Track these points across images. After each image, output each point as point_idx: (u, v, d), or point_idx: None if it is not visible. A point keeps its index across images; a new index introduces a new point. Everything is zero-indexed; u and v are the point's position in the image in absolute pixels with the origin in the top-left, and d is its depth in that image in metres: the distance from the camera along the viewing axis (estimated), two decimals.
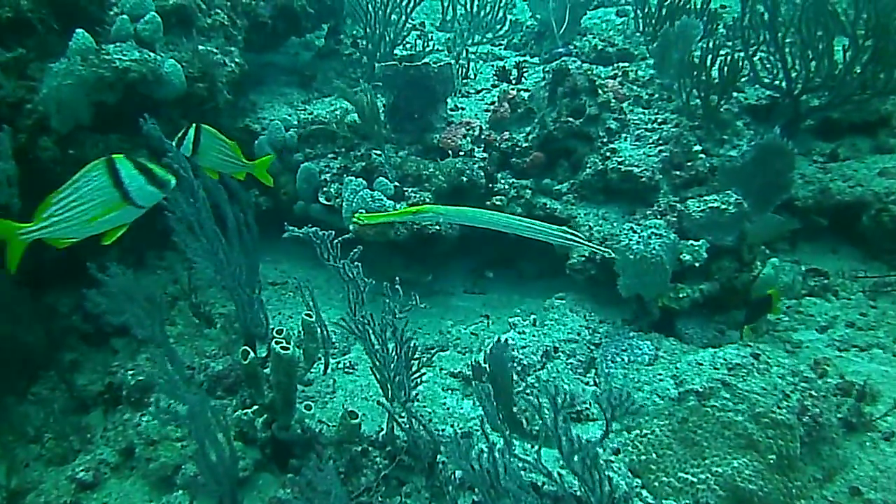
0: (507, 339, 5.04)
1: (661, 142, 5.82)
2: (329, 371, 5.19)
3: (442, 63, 5.93)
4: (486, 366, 4.60)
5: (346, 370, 5.25)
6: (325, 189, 6.09)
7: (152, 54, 5.33)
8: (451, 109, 6.40)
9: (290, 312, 5.95)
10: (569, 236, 4.32)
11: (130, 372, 5.19)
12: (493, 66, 7.40)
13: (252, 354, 4.47)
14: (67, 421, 5.23)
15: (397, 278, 4.25)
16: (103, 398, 5.34)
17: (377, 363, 4.36)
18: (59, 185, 5.26)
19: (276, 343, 4.37)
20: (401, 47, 7.49)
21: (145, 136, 4.65)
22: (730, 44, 6.71)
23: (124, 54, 5.20)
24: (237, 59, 6.17)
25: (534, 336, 5.25)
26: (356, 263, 4.32)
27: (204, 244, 4.74)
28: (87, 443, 5.10)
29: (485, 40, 8.02)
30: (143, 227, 6.25)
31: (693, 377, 4.55)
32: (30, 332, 5.49)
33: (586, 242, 4.51)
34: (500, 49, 8.13)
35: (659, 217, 5.45)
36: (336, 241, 4.34)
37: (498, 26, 8.22)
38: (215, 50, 5.96)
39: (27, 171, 5.16)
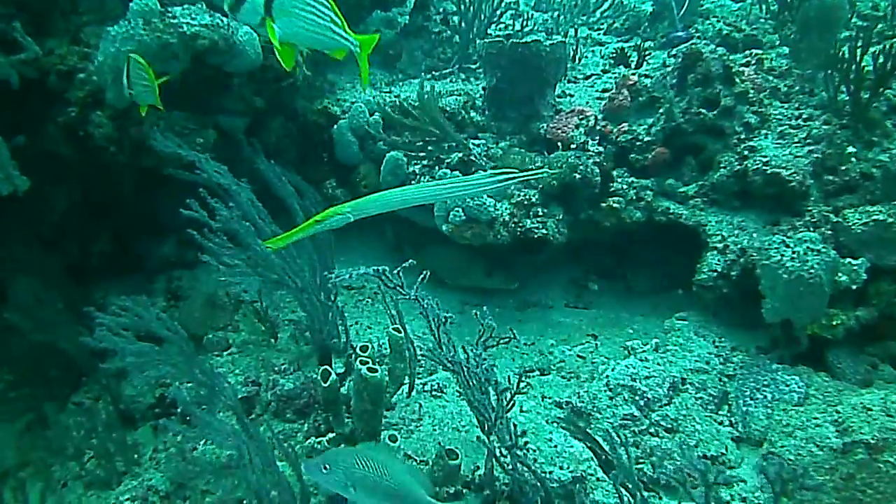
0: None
1: (809, 141, 5.08)
2: (414, 393, 4.58)
3: (555, 41, 5.27)
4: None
5: (433, 393, 4.67)
6: (413, 183, 5.48)
7: (225, 20, 4.79)
8: (558, 96, 5.75)
9: (369, 322, 5.38)
10: (501, 178, 3.78)
11: (188, 385, 4.61)
12: (593, 51, 6.73)
13: (333, 376, 3.86)
14: (112, 437, 4.67)
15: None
16: (154, 412, 4.83)
17: (474, 403, 3.73)
18: (111, 167, 4.77)
19: (362, 363, 3.76)
20: (494, 27, 6.85)
21: (214, 114, 4.10)
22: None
23: (193, 18, 4.69)
24: None
25: (658, 364, 4.61)
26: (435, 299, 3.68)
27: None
28: (134, 464, 4.62)
29: (582, 23, 7.37)
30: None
31: (861, 425, 3.94)
32: (69, 338, 4.91)
33: (522, 174, 3.92)
34: (599, 34, 7.44)
35: (811, 229, 4.71)
36: (397, 270, 3.69)
37: (598, 9, 7.56)
38: None
39: (76, 150, 4.63)
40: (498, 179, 3.74)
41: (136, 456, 4.63)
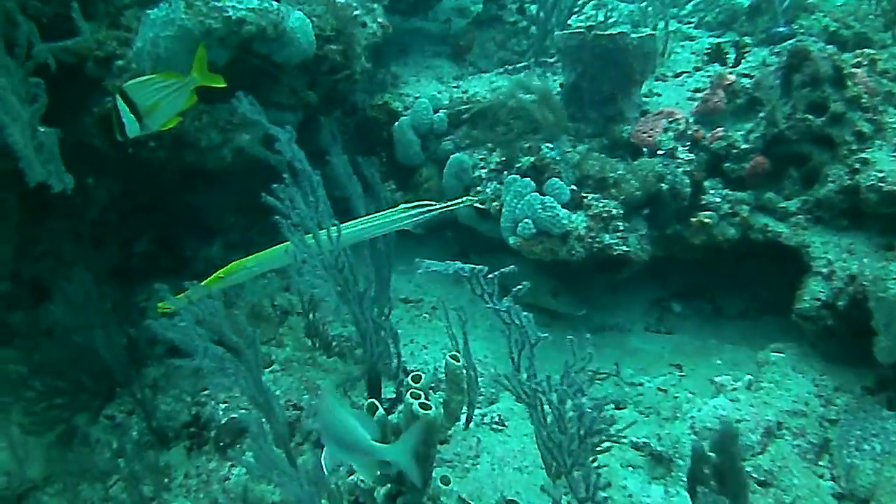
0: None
1: None
2: (472, 425, 4.18)
3: (643, 34, 4.78)
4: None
5: (493, 426, 4.29)
6: (479, 188, 5.08)
7: (275, 4, 4.43)
8: (645, 96, 5.26)
9: (426, 341, 4.97)
10: (413, 213, 3.95)
11: (223, 405, 4.26)
12: (683, 46, 6.21)
13: (380, 410, 3.42)
14: (142, 457, 4.33)
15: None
16: (188, 432, 4.46)
17: (547, 444, 3.28)
18: (149, 164, 4.44)
19: (414, 396, 3.33)
20: (575, 18, 6.39)
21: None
22: None
23: (240, 1, 4.30)
24: (380, 19, 5.32)
25: (750, 405, 4.13)
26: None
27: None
28: (163, 489, 4.27)
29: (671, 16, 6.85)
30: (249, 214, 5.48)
31: None
32: (109, 343, 4.62)
33: (442, 205, 4.09)
34: (689, 27, 6.91)
35: None
36: (491, 276, 3.29)
37: (690, 0, 7.04)
38: (354, 4, 4.96)
39: (112, 146, 4.31)
40: (412, 214, 3.83)
41: (165, 480, 4.30)
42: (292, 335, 4.80)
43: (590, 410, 3.15)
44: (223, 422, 4.19)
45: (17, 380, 4.76)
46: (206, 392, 4.42)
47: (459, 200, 4.30)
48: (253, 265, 3.73)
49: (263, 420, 3.46)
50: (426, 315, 5.23)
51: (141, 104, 3.63)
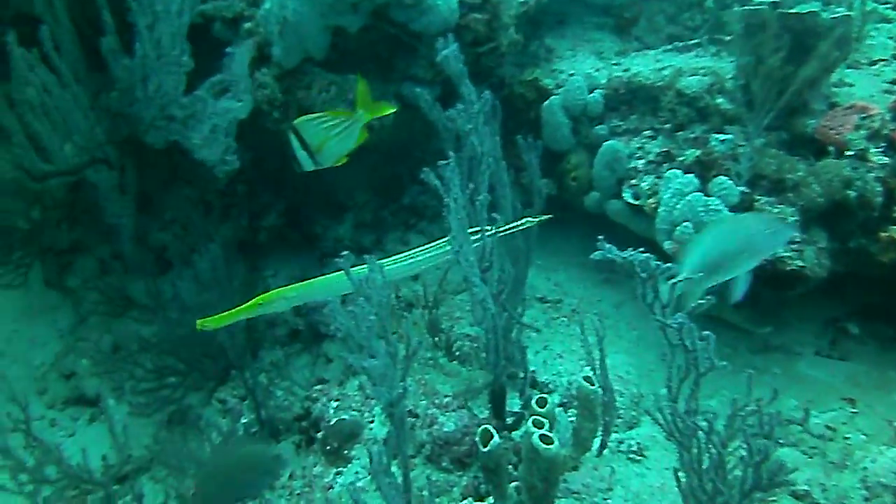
0: None
1: None
2: (606, 452, 3.72)
3: (837, 14, 4.17)
4: None
5: (631, 455, 3.86)
6: (633, 182, 4.59)
7: None
8: (834, 85, 4.62)
9: (562, 349, 4.55)
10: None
11: (335, 403, 3.96)
12: (878, 28, 5.50)
13: (496, 438, 3.03)
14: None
15: None
16: (300, 426, 4.20)
17: (697, 495, 2.85)
18: (276, 135, 4.22)
19: (536, 424, 2.93)
20: None
21: (397, 81, 3.40)
22: None
23: None
24: None
25: None
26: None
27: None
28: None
29: None
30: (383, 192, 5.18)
31: None
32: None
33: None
34: (886, 7, 6.16)
35: None
36: (675, 281, 2.84)
37: None
38: None
39: None
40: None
41: None
42: (415, 331, 4.48)
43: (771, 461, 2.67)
44: (332, 422, 3.87)
45: (128, 356, 4.64)
46: (319, 387, 4.14)
47: (520, 222, 3.85)
48: (294, 295, 3.47)
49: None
50: (564, 318, 4.80)
51: (311, 142, 3.67)
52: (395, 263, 3.50)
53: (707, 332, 2.77)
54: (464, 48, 4.42)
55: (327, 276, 3.47)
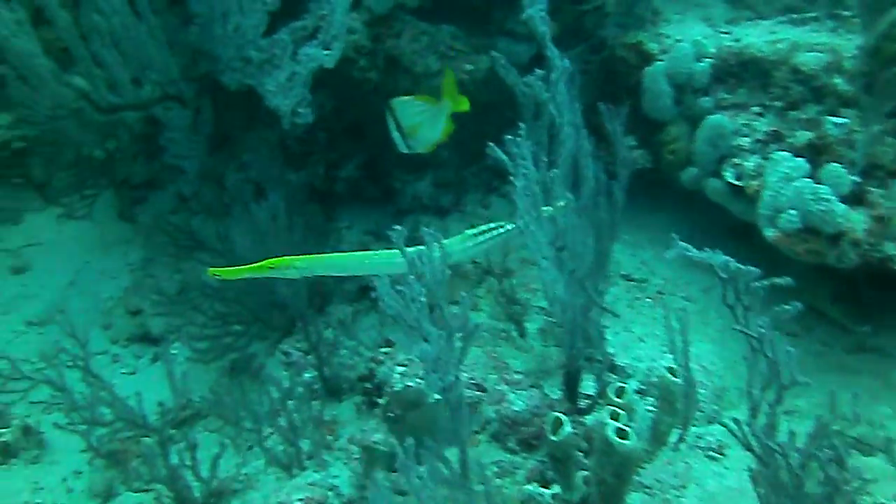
0: None
1: None
2: (683, 446, 3.49)
3: None
4: None
5: (709, 453, 3.64)
6: (736, 161, 4.30)
7: None
8: None
9: (643, 332, 4.32)
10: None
11: (400, 369, 3.79)
12: None
13: (566, 427, 2.84)
14: (306, 408, 4.03)
15: None
16: (363, 388, 4.06)
17: None
18: (361, 85, 4.05)
19: (612, 416, 2.74)
20: None
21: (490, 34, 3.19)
22: None
23: None
24: None
25: None
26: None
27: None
28: (324, 448, 3.87)
29: None
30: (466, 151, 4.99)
31: None
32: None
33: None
34: None
35: None
36: (760, 284, 2.57)
37: None
38: None
39: None
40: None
41: (329, 438, 3.96)
42: (489, 299, 4.30)
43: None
44: (396, 388, 3.72)
45: (192, 299, 4.56)
46: (385, 350, 3.98)
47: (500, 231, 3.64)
48: (303, 266, 3.39)
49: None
50: (649, 299, 4.55)
51: (404, 123, 3.64)
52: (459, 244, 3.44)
53: (790, 349, 2.55)
54: (565, 5, 4.23)
55: (343, 254, 3.52)
